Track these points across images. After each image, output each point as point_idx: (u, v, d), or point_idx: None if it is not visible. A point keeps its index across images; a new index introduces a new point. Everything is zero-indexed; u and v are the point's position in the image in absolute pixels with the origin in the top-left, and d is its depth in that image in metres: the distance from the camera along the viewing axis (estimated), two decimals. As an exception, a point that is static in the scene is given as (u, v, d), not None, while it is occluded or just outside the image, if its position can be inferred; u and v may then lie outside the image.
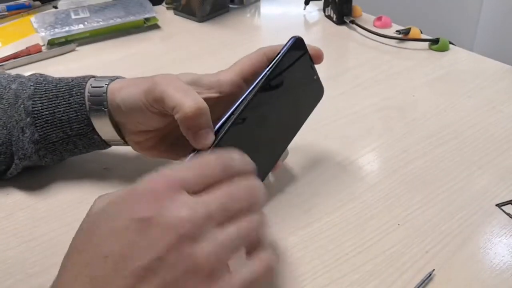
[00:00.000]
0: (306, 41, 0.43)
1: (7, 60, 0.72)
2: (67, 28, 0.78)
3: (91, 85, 0.45)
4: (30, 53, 0.74)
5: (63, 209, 0.47)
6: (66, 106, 0.45)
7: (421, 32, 0.79)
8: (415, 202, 0.47)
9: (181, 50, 0.79)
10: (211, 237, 0.27)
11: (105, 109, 0.43)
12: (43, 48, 0.77)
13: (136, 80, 0.43)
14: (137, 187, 0.29)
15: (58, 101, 0.45)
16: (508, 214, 0.46)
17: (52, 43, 0.77)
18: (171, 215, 0.27)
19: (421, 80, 0.68)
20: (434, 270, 0.40)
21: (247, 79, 0.43)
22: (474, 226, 0.44)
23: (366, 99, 0.64)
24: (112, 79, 0.45)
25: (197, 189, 0.29)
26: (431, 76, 0.69)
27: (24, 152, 0.46)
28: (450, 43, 0.76)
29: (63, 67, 0.74)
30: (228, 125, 0.37)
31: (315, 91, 0.43)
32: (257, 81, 0.39)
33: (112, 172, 0.51)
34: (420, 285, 0.39)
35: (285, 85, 0.41)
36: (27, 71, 0.71)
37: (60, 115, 0.45)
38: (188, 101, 0.36)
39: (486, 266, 0.41)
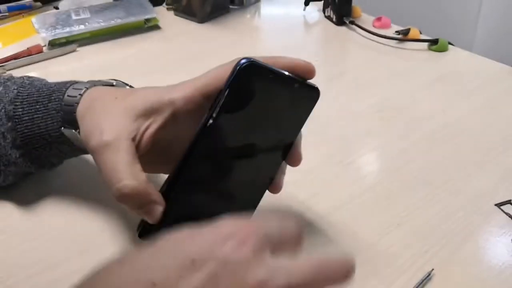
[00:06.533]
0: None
1: (8, 61, 0.72)
2: (68, 29, 0.78)
3: (62, 103, 0.42)
4: (31, 54, 0.74)
5: (62, 209, 0.47)
6: (44, 112, 0.43)
7: (421, 33, 0.79)
8: (414, 202, 0.47)
9: (181, 51, 0.79)
10: None
11: (76, 131, 0.41)
12: (44, 48, 0.77)
13: (93, 116, 0.39)
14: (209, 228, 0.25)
15: (37, 106, 0.43)
16: (507, 213, 0.46)
17: (53, 44, 0.77)
18: (251, 276, 0.24)
19: (420, 81, 0.69)
20: (433, 269, 0.40)
21: (210, 96, 0.37)
22: (473, 226, 0.44)
23: (366, 100, 0.64)
24: (84, 89, 0.42)
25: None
26: (431, 77, 0.69)
27: (8, 158, 0.44)
28: (450, 43, 0.76)
29: (64, 67, 0.74)
30: (178, 179, 0.35)
31: (303, 97, 0.38)
32: (203, 120, 0.35)
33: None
34: (419, 285, 0.39)
35: (247, 112, 0.36)
36: (28, 72, 0.72)
37: (39, 121, 0.43)
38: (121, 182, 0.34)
39: (485, 266, 0.41)
